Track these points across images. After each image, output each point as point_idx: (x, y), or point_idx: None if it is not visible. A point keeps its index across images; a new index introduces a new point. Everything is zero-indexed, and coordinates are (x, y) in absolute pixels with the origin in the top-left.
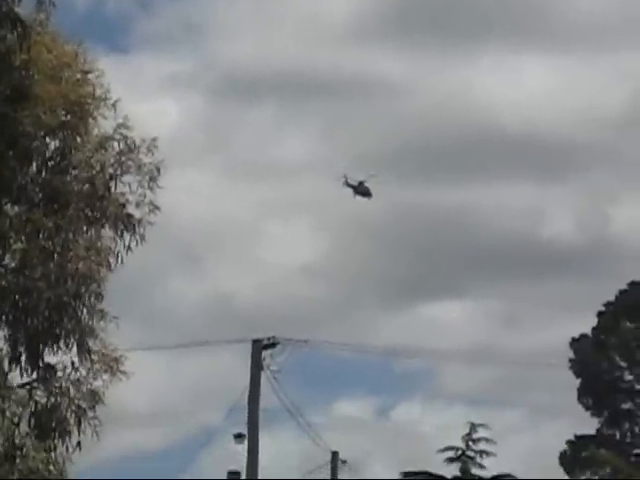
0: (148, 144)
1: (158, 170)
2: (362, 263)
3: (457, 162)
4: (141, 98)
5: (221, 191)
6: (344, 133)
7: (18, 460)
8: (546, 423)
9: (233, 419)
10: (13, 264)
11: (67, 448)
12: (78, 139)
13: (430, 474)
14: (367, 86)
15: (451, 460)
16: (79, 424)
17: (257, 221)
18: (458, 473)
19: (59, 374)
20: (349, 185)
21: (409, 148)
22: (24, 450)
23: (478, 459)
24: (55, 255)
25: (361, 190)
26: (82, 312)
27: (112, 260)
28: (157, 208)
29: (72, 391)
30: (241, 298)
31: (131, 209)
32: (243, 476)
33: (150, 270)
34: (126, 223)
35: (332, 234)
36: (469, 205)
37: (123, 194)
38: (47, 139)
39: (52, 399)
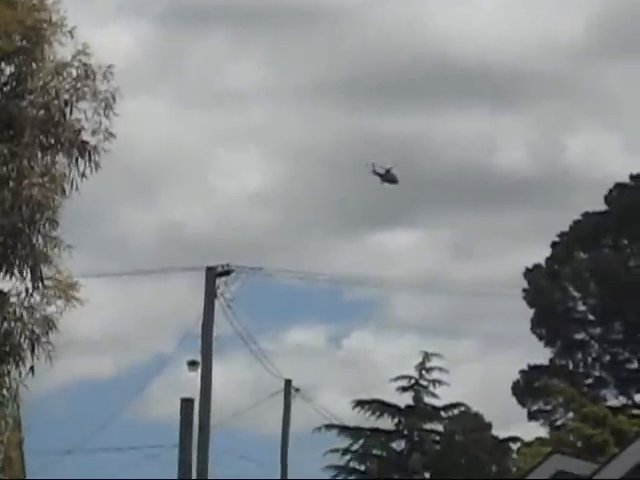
0: (104, 71)
1: (113, 97)
2: (314, 191)
3: (408, 91)
4: (95, 25)
5: (173, 119)
6: (294, 61)
7: None
8: (499, 353)
9: (186, 347)
10: None
11: (20, 373)
12: (34, 65)
13: (383, 403)
14: (318, 14)
15: (404, 389)
16: (33, 350)
17: (209, 149)
18: (411, 402)
19: (13, 300)
20: (376, 173)
21: (359, 76)
22: None
23: (431, 388)
24: (9, 182)
25: (388, 177)
26: (36, 239)
27: (67, 187)
28: (112, 135)
29: (26, 317)
30: (194, 226)
31: (86, 136)
32: (197, 403)
33: (104, 198)
34: (81, 150)
35: (283, 162)
36: (421, 134)
37: (78, 121)
38: (2, 64)
39: (6, 325)
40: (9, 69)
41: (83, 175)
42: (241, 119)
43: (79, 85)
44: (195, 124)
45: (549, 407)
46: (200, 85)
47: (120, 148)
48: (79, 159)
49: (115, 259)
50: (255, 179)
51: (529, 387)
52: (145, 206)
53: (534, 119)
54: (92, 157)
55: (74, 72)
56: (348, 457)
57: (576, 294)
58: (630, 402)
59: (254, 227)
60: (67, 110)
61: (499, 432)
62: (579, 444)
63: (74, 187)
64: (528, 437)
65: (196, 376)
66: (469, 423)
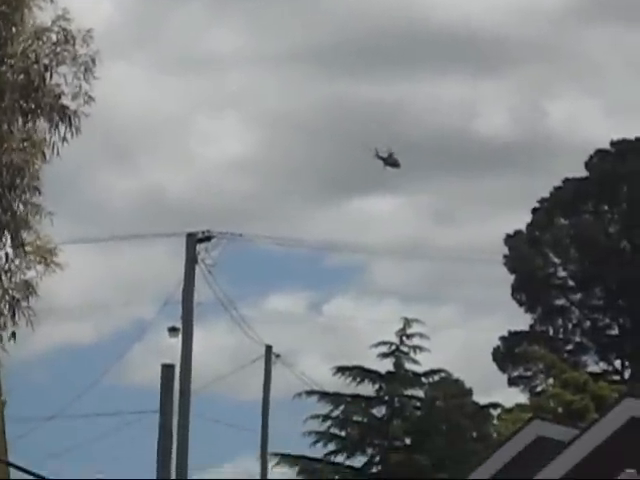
0: (83, 35)
1: (93, 61)
2: (293, 157)
3: (389, 57)
4: None
5: (152, 84)
6: (273, 27)
7: None
8: (480, 319)
9: (167, 313)
10: None
11: (1, 338)
12: (13, 29)
13: (363, 369)
14: None
15: (384, 355)
16: (13, 315)
17: (188, 114)
18: (392, 368)
19: None
20: (379, 157)
21: (339, 42)
22: None
23: (412, 354)
24: None
25: (391, 161)
26: (17, 205)
27: (47, 152)
28: (92, 99)
29: (5, 282)
30: (173, 192)
31: (66, 101)
32: (177, 369)
33: (83, 163)
34: (61, 114)
35: (263, 128)
36: (402, 100)
37: (58, 85)
38: None
39: None
40: None
41: (64, 140)
42: (220, 85)
43: (59, 49)
44: (174, 90)
45: (529, 373)
46: (179, 51)
47: (100, 113)
48: (59, 124)
49: (94, 225)
50: (234, 145)
51: (509, 353)
52: (124, 172)
53: (515, 84)
54: (72, 122)
55: (54, 37)
56: (328, 423)
57: (556, 260)
58: (610, 368)
59: (233, 193)
60: (47, 75)
61: (479, 398)
62: (559, 410)
63: (55, 152)
64: (508, 403)
65: (177, 342)
66: (450, 389)
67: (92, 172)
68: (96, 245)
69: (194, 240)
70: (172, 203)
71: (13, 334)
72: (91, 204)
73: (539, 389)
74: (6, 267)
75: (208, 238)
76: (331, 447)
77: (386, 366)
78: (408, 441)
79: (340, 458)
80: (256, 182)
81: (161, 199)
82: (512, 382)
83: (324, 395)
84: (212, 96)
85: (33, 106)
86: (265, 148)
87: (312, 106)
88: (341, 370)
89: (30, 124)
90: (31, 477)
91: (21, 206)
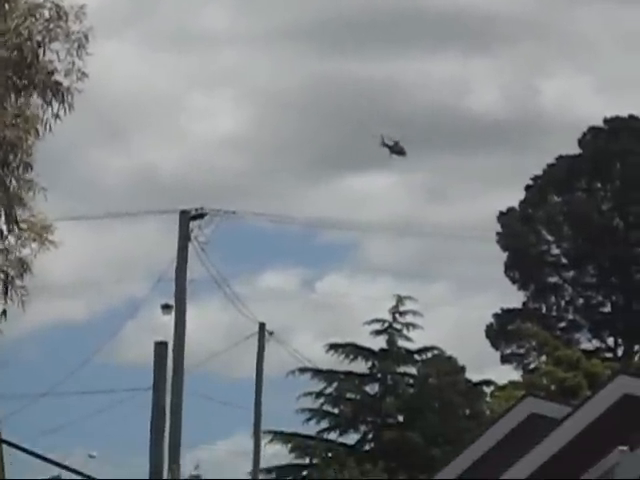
0: (76, 12)
1: (86, 38)
2: (287, 134)
3: (380, 34)
4: None
5: (145, 61)
6: (266, 4)
7: None
8: (473, 296)
9: (160, 290)
10: None
11: None
12: (6, 6)
13: (356, 346)
14: None
15: (378, 332)
16: (6, 292)
17: (181, 92)
18: (385, 345)
19: None
20: (385, 145)
21: (331, 20)
22: None
23: (405, 331)
24: None
25: (397, 149)
26: (10, 181)
27: (40, 128)
28: (85, 75)
29: (0, 259)
30: (166, 169)
31: (59, 77)
32: (170, 347)
33: (76, 140)
34: (54, 91)
35: (256, 105)
36: (395, 77)
37: (51, 62)
38: None
39: None
40: None
41: (57, 116)
42: (212, 63)
43: (52, 26)
44: (166, 67)
45: (522, 350)
46: (171, 28)
47: (92, 90)
48: (52, 100)
49: (87, 202)
50: (227, 123)
51: (502, 330)
52: (117, 149)
53: (507, 62)
54: (65, 98)
55: (46, 13)
56: (322, 400)
57: (550, 237)
58: (603, 345)
59: (226, 170)
60: (40, 51)
61: (472, 375)
62: (552, 387)
63: (47, 129)
64: (501, 380)
65: (170, 319)
66: (442, 366)
67: (85, 149)
68: (89, 222)
69: (187, 217)
70: (165, 180)
71: (4, 312)
72: (84, 181)
73: (532, 366)
74: (0, 245)
75: (201, 215)
76: (324, 424)
77: (379, 343)
78: (401, 418)
79: (333, 435)
80: (249, 159)
81: (154, 176)
82: (505, 359)
83: (317, 372)
84: (204, 73)
85: (26, 82)
86: (257, 125)
87: (304, 83)
88: (334, 347)
89: (23, 100)
90: (23, 454)
91: (14, 182)
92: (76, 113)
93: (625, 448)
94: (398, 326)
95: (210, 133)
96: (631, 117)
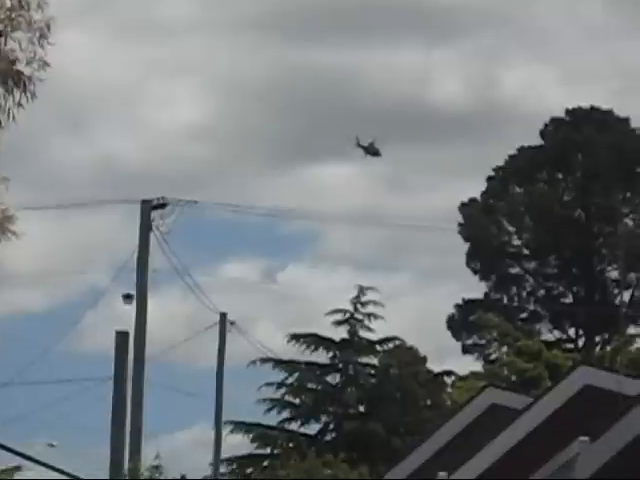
0: (38, 1)
1: (48, 27)
2: (249, 124)
3: (342, 25)
4: None
5: (107, 51)
6: None
7: None
8: (434, 287)
9: (122, 280)
10: None
11: None
12: None
13: (318, 336)
14: None
15: (339, 323)
16: None
17: (143, 81)
18: (346, 335)
19: None
20: (360, 146)
21: (294, 10)
22: None
23: (366, 322)
24: None
25: (372, 150)
26: None
27: (2, 117)
28: (47, 65)
29: None
30: (128, 159)
31: (21, 66)
32: (132, 337)
33: (37, 130)
34: (16, 80)
35: (217, 95)
36: (356, 67)
37: (13, 51)
38: None
39: None
40: None
41: (19, 105)
42: (175, 52)
43: (14, 15)
44: (129, 56)
45: (483, 341)
46: (134, 17)
47: (54, 80)
48: (14, 89)
49: (48, 192)
50: (189, 112)
51: (464, 321)
52: (79, 138)
53: (469, 53)
54: (27, 87)
55: (8, 2)
56: (283, 390)
57: (511, 228)
58: (564, 336)
59: (188, 160)
60: (2, 40)
61: (434, 366)
62: (513, 378)
63: (10, 118)
64: (463, 371)
65: (131, 309)
66: (404, 357)
67: (46, 139)
68: (50, 212)
69: (149, 207)
70: (127, 170)
71: None
72: (46, 171)
73: (493, 357)
74: None
75: (163, 205)
76: (285, 414)
77: (341, 334)
78: (362, 408)
79: (294, 425)
80: (211, 149)
81: (116, 166)
82: (466, 350)
83: (279, 362)
84: (166, 63)
85: None
86: (220, 115)
87: (267, 73)
88: (296, 337)
89: None
90: None
91: None
92: (37, 103)
93: (586, 439)
94: (359, 316)
95: (172, 122)
96: (592, 108)
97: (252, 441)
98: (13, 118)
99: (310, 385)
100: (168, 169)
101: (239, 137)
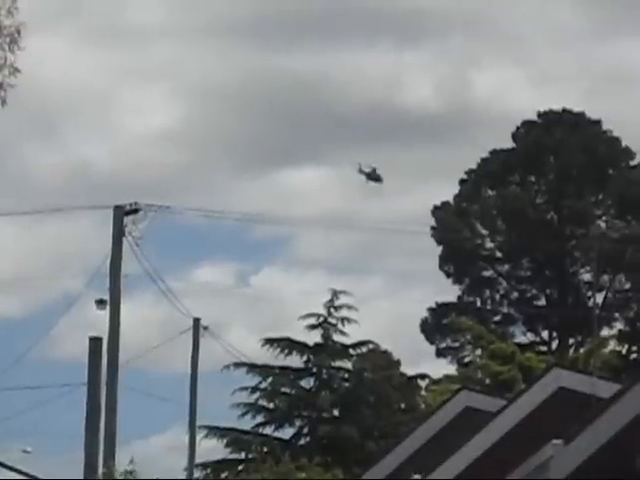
0: (8, 7)
1: (18, 32)
2: (220, 130)
3: (314, 29)
4: None
5: (78, 56)
6: None
7: None
8: (407, 290)
9: (95, 286)
10: None
11: None
12: None
13: (291, 340)
14: None
15: (313, 327)
16: None
17: (114, 86)
18: (320, 340)
19: None
20: (362, 172)
21: (266, 15)
22: None
23: (340, 326)
24: None
25: (374, 176)
26: None
27: None
28: (17, 70)
29: None
30: (101, 165)
31: None
32: (105, 342)
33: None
34: None
35: (189, 100)
36: (328, 71)
37: None
38: None
39: None
40: None
41: None
42: (147, 57)
43: None
44: (100, 62)
45: (457, 344)
46: (105, 22)
47: (24, 86)
48: None
49: (20, 198)
50: (161, 118)
51: (437, 324)
52: (50, 144)
53: (440, 56)
54: None
55: None
56: (257, 395)
57: (484, 231)
58: (538, 339)
59: (160, 166)
60: None
61: (408, 369)
62: (487, 381)
63: None
64: (436, 374)
65: (104, 315)
66: (378, 360)
67: (17, 145)
68: (22, 218)
69: (121, 213)
70: (99, 176)
71: None
72: (17, 177)
73: (467, 360)
74: None
75: (135, 210)
76: (260, 419)
77: (314, 338)
78: (336, 412)
79: (268, 430)
80: (183, 154)
81: (88, 172)
82: (440, 353)
83: (252, 367)
84: (138, 68)
85: None
86: (192, 120)
87: (239, 78)
88: (269, 342)
89: None
90: None
91: None
92: (8, 108)
93: (559, 441)
94: (333, 320)
95: (144, 128)
96: (565, 111)
97: (226, 446)
98: None
99: (284, 389)
100: (140, 174)
101: (211, 142)
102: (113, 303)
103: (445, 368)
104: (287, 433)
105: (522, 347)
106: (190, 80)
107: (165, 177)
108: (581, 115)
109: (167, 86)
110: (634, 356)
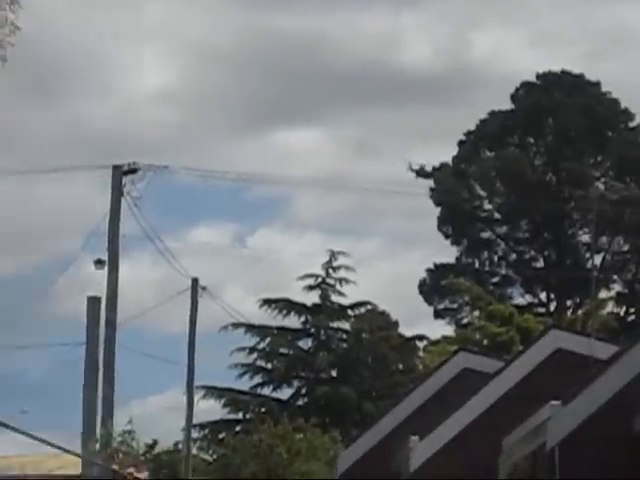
0: None
1: None
2: (216, 89)
3: None
4: None
5: (75, 16)
6: None
7: None
8: (406, 251)
9: (93, 245)
10: None
11: None
12: None
13: (289, 301)
14: None
15: (311, 287)
16: None
17: (111, 46)
18: (318, 300)
19: None
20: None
21: None
22: None
23: (338, 286)
24: None
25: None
26: None
27: None
28: (18, 28)
29: None
30: (98, 124)
31: None
32: (103, 302)
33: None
34: None
35: (185, 59)
36: (324, 31)
37: None
38: None
39: None
40: None
41: None
42: (142, 17)
43: None
44: (96, 21)
45: (455, 305)
46: None
47: (22, 44)
48: None
49: (17, 157)
50: (157, 77)
51: (435, 285)
52: (48, 103)
53: (439, 15)
54: None
55: None
56: (255, 355)
57: (482, 193)
58: (536, 300)
59: (158, 125)
60: None
61: (405, 330)
62: (485, 342)
63: None
64: (434, 335)
65: (103, 274)
66: (375, 321)
67: (17, 104)
68: (20, 178)
69: (120, 172)
70: (97, 135)
71: None
72: (15, 136)
73: (465, 321)
74: None
75: (134, 170)
76: (257, 379)
77: (312, 298)
78: (334, 373)
79: (266, 390)
80: (180, 114)
81: (85, 131)
82: (438, 314)
83: (250, 327)
84: (134, 28)
85: None
86: (188, 80)
87: (235, 37)
88: (267, 302)
89: None
90: None
91: None
92: (8, 66)
93: (557, 402)
94: (331, 281)
95: (141, 88)
96: (564, 72)
97: (224, 406)
98: None
99: (282, 350)
100: (139, 134)
101: (208, 102)
102: (111, 263)
103: (443, 329)
104: (285, 394)
105: (520, 309)
106: (187, 39)
107: (162, 137)
108: (580, 76)
109: (164, 45)
110: (632, 318)
